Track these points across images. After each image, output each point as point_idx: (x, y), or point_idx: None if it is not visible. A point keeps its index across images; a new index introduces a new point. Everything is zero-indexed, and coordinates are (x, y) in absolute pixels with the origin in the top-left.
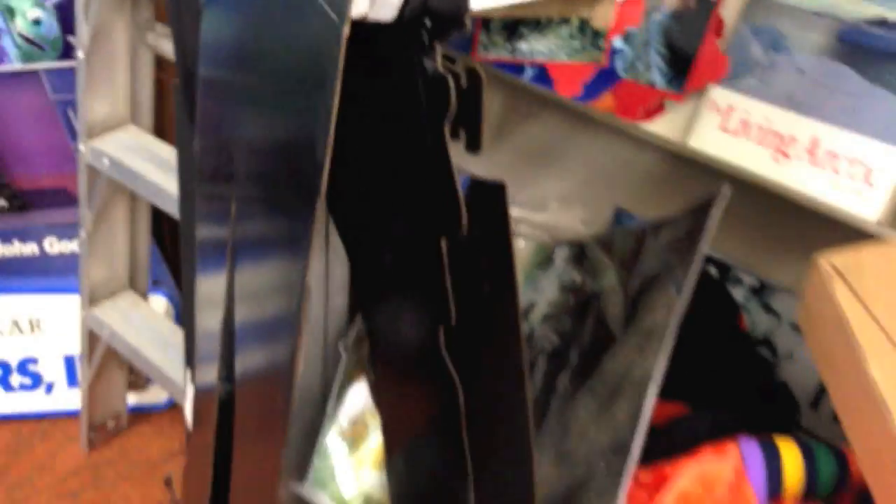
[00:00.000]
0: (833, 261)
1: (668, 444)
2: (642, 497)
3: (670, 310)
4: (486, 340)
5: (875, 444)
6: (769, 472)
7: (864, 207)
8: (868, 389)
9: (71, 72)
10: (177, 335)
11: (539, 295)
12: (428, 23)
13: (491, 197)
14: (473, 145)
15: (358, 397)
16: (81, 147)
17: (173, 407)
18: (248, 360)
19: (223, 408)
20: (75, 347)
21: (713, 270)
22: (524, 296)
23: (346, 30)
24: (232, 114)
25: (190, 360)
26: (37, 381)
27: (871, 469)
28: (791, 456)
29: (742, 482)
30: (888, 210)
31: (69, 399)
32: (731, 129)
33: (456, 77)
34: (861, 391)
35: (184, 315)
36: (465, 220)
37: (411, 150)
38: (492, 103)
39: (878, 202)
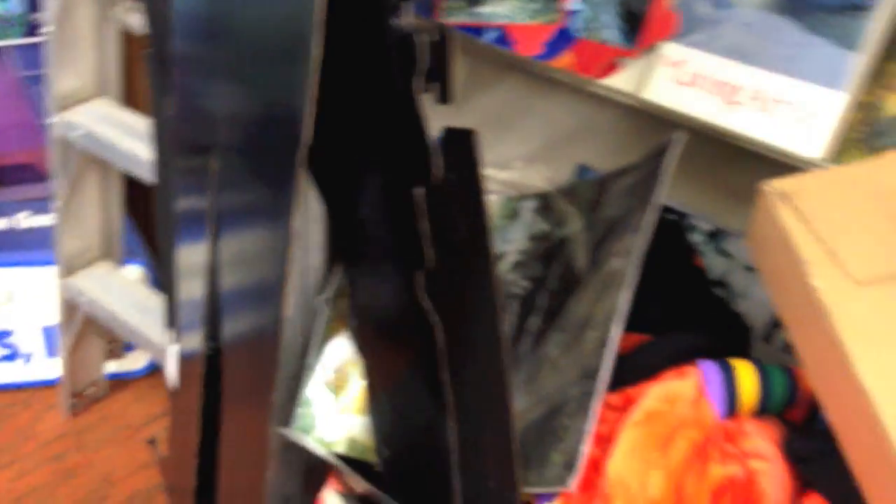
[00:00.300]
0: (776, 186)
1: (633, 370)
2: (613, 417)
3: (631, 250)
4: (464, 280)
5: (819, 351)
6: (726, 389)
7: (808, 147)
8: (811, 300)
9: (37, 49)
10: (154, 300)
11: (508, 245)
12: None
13: (463, 142)
14: (444, 97)
15: (339, 349)
16: (53, 120)
17: (151, 373)
18: (236, 324)
19: (209, 370)
20: (51, 319)
21: (672, 217)
22: (494, 247)
23: None
24: (211, 85)
25: (171, 322)
26: (15, 352)
27: (817, 376)
28: (746, 375)
29: (702, 398)
30: (830, 148)
31: (48, 369)
32: (683, 81)
33: (424, 33)
34: (806, 302)
35: (162, 282)
36: (437, 168)
37: (384, 103)
38: (456, 69)
39: (821, 141)
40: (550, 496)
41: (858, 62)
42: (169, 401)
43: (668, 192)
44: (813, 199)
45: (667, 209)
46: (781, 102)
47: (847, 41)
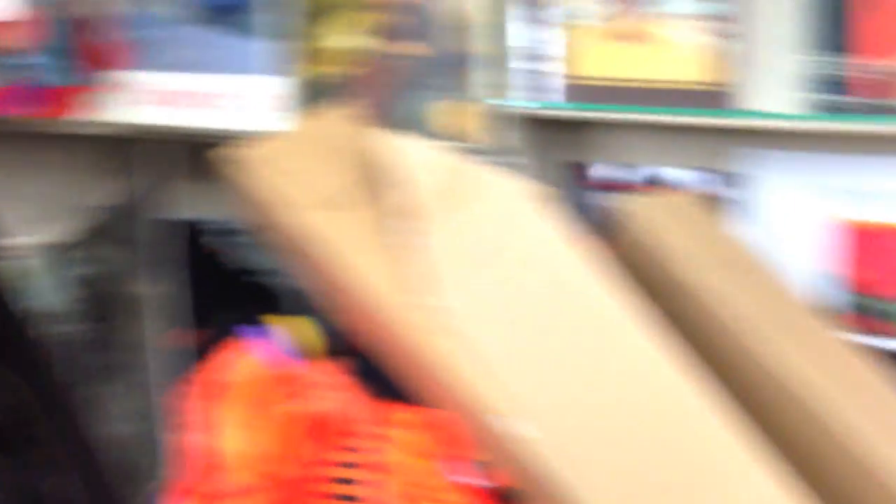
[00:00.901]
0: (230, 154)
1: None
2: (203, 405)
3: (144, 264)
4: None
5: (324, 275)
6: (284, 344)
7: (266, 124)
8: (300, 237)
9: None
10: None
11: (64, 297)
12: None
13: None
14: None
15: None
16: None
17: None
18: None
19: None
20: None
21: (192, 225)
22: (39, 303)
23: None
24: None
25: None
26: None
27: (337, 298)
28: (298, 327)
29: (261, 359)
30: (284, 119)
31: None
32: (150, 100)
33: None
34: (299, 242)
35: None
36: None
37: None
38: None
39: (273, 116)
40: (155, 495)
41: (276, 48)
42: None
43: (188, 206)
44: (265, 159)
45: (187, 223)
46: (230, 96)
47: (258, 33)
